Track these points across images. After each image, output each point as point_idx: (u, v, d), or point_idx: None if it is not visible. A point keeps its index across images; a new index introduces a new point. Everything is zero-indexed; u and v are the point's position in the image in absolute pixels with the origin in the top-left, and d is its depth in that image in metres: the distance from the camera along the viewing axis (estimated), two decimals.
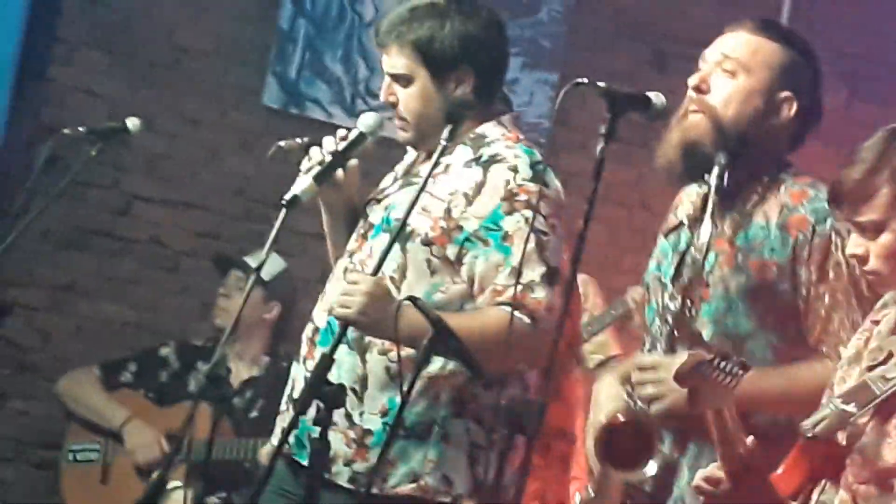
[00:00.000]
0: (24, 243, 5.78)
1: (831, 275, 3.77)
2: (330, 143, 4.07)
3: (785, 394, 3.69)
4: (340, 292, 3.89)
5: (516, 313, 3.83)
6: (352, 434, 4.00)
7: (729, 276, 3.81)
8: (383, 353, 3.98)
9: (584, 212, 3.57)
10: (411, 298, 3.77)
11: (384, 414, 4.00)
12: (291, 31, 6.97)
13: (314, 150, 4.07)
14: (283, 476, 4.05)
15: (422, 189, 3.84)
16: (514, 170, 4.04)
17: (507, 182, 4.02)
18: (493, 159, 4.07)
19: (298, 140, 4.12)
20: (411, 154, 4.26)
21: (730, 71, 3.87)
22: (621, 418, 3.79)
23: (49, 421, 6.57)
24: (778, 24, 4.05)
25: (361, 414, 4.01)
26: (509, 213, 4.01)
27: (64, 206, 6.26)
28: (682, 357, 3.55)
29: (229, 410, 6.07)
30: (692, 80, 3.90)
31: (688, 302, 3.81)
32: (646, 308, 4.02)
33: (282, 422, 4.11)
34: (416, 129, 4.14)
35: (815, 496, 3.34)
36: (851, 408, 3.21)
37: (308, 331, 4.12)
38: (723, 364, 3.21)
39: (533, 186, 4.01)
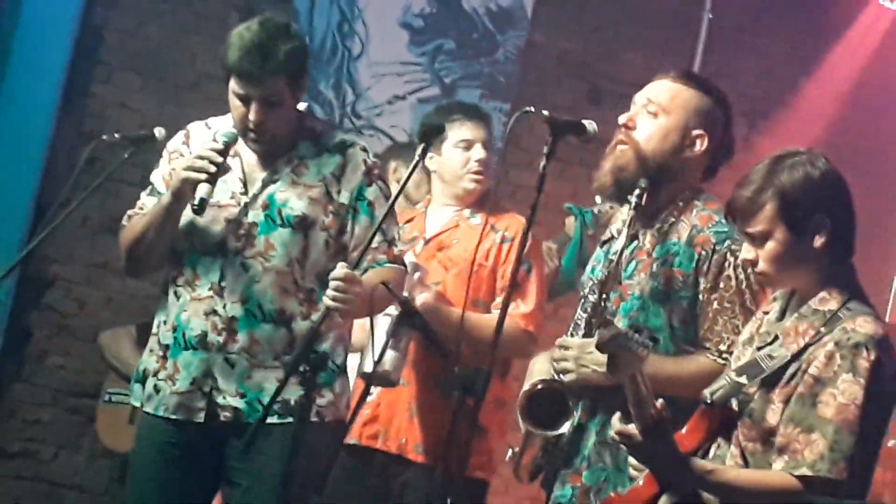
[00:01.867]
0: (66, 229, 5.72)
1: (722, 286, 3.79)
2: (209, 153, 3.95)
3: (672, 377, 3.69)
4: (333, 288, 3.83)
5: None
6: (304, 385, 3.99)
7: (644, 281, 3.83)
8: (304, 317, 4.02)
9: (528, 217, 3.68)
10: (384, 283, 3.75)
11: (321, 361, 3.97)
12: None
13: (197, 163, 3.94)
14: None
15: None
16: (365, 150, 4.13)
17: (364, 161, 4.11)
18: (345, 144, 4.13)
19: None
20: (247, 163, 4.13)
21: (653, 112, 3.89)
22: (539, 386, 3.80)
23: (82, 374, 6.56)
24: (696, 74, 4.03)
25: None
26: (369, 184, 4.09)
27: (100, 199, 6.22)
28: (591, 341, 3.62)
29: None
30: (622, 119, 3.94)
31: (603, 296, 3.83)
32: (580, 303, 4.01)
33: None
34: (273, 141, 4.06)
35: (712, 451, 3.36)
36: (743, 379, 3.29)
37: (218, 322, 4.02)
38: (636, 336, 3.21)
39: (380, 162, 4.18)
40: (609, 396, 3.61)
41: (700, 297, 3.79)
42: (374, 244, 4.00)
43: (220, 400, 4.01)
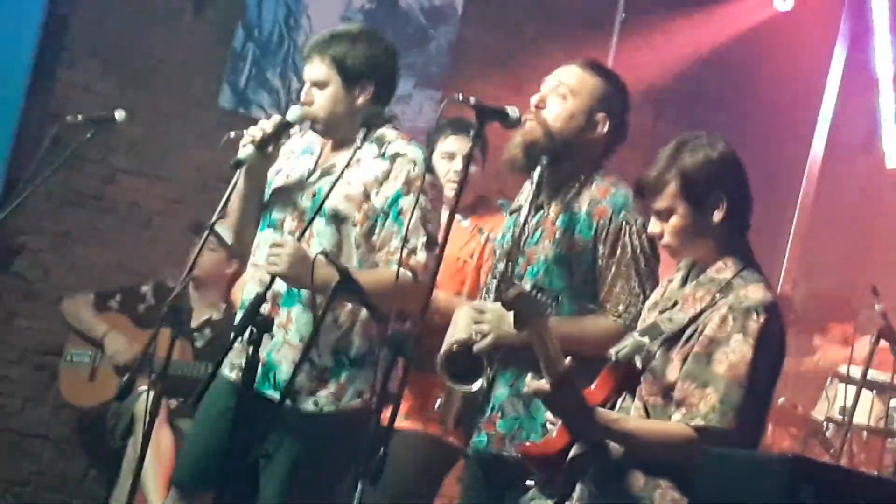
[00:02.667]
0: (33, 202, 5.72)
1: (619, 252, 3.84)
2: (265, 124, 4.01)
3: (577, 337, 3.71)
4: (269, 253, 3.85)
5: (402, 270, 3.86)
6: (314, 372, 3.98)
7: (549, 247, 3.88)
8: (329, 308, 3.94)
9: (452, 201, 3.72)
10: (323, 252, 3.77)
11: (335, 353, 4.00)
12: (242, 51, 6.90)
13: (252, 129, 3.99)
14: (230, 399, 3.95)
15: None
16: (414, 163, 4.03)
17: (408, 172, 4.01)
18: (397, 155, 4.05)
19: (242, 132, 4.07)
20: (316, 149, 4.15)
21: (562, 95, 3.93)
22: (455, 347, 3.83)
23: (46, 335, 6.50)
24: (601, 63, 4.07)
25: (319, 357, 3.98)
26: (406, 194, 4.01)
27: (64, 175, 6.16)
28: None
29: (191, 340, 6.08)
30: (534, 99, 3.97)
31: (510, 263, 3.86)
32: (492, 268, 4.06)
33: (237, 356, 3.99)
34: (325, 124, 4.09)
35: (618, 404, 3.41)
36: (645, 340, 3.35)
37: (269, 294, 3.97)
38: (538, 295, 3.26)
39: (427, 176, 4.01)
40: (521, 353, 3.64)
41: (599, 261, 3.84)
42: (393, 248, 3.96)
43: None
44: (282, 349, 3.98)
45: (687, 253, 3.42)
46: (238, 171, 3.99)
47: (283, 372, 3.95)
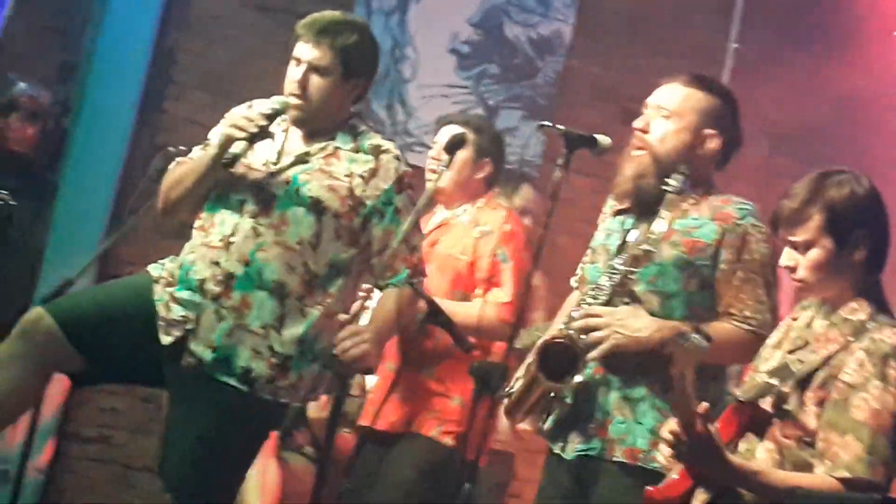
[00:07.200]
0: (140, 231, 5.80)
1: (745, 257, 3.76)
2: (255, 116, 3.97)
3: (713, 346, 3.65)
4: (349, 345, 3.84)
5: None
6: (274, 360, 3.95)
7: (665, 249, 3.77)
8: (299, 298, 3.96)
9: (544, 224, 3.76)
10: (411, 284, 3.78)
11: (300, 343, 3.97)
12: None
13: (239, 122, 3.96)
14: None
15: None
16: (398, 159, 4.08)
17: (396, 169, 4.06)
18: (380, 149, 4.07)
19: (179, 148, 4.22)
20: (277, 134, 4.10)
21: (666, 115, 3.85)
22: (558, 339, 3.74)
23: None
24: (704, 76, 3.98)
25: (282, 344, 3.95)
26: (398, 192, 4.05)
27: None
28: (623, 310, 3.70)
29: None
30: (637, 123, 3.91)
31: (632, 268, 3.77)
32: (589, 268, 3.99)
33: None
34: (310, 112, 4.05)
35: (740, 446, 3.33)
36: (774, 381, 3.27)
37: (219, 274, 3.98)
38: (695, 337, 3.20)
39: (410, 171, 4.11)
40: (631, 357, 3.62)
41: (721, 266, 3.76)
42: (395, 250, 3.98)
43: (192, 346, 3.94)
44: (236, 333, 3.94)
45: (820, 289, 3.35)
46: (207, 155, 4.00)
47: (241, 358, 3.92)
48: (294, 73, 4.06)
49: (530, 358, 3.81)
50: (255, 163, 4.05)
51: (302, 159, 4.05)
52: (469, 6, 7.13)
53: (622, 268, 3.78)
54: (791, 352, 3.32)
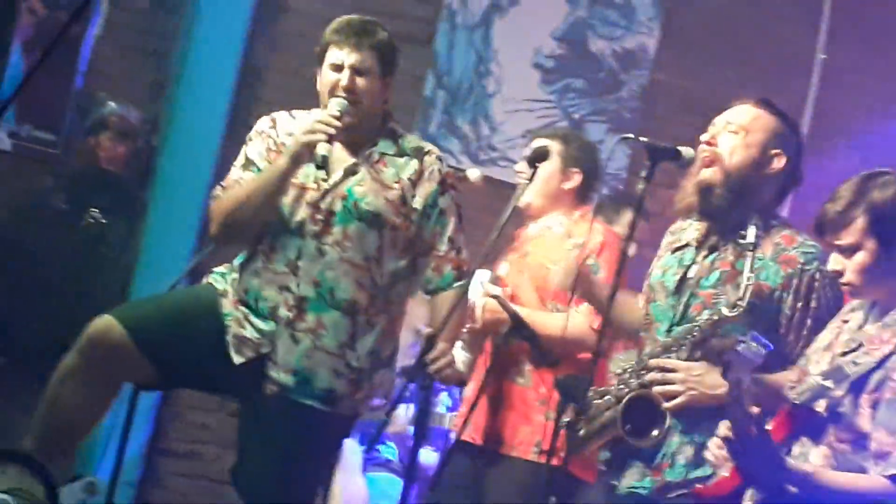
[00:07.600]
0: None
1: (813, 304, 3.74)
2: (328, 119, 3.95)
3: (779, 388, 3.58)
4: (432, 370, 3.84)
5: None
6: (353, 377, 3.98)
7: (730, 291, 3.75)
8: (367, 311, 3.98)
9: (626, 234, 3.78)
10: (495, 296, 3.78)
11: (371, 354, 4.00)
12: (433, 98, 7.01)
13: (316, 125, 3.94)
14: None
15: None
16: (440, 159, 4.10)
17: (440, 170, 4.08)
18: (422, 151, 4.09)
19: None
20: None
21: (734, 131, 3.85)
22: (642, 394, 3.73)
23: None
24: (772, 102, 3.98)
25: (357, 359, 3.98)
26: (442, 193, 4.06)
27: None
28: (700, 366, 3.67)
29: None
30: (705, 136, 3.92)
31: (711, 315, 3.74)
32: (653, 307, 3.96)
33: None
34: (362, 115, 4.05)
35: (794, 450, 3.32)
36: (829, 384, 3.26)
37: (290, 299, 3.98)
38: (752, 343, 3.17)
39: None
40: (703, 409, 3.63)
41: (787, 312, 3.74)
42: (441, 252, 4.01)
43: (272, 373, 3.96)
44: (314, 355, 3.95)
45: (869, 292, 3.34)
46: (294, 166, 3.96)
47: (322, 379, 3.94)
48: (338, 78, 4.04)
49: (610, 409, 3.80)
50: (305, 182, 4.04)
51: (352, 170, 4.05)
52: (553, 21, 7.13)
53: (703, 326, 3.75)
54: (843, 354, 3.31)
